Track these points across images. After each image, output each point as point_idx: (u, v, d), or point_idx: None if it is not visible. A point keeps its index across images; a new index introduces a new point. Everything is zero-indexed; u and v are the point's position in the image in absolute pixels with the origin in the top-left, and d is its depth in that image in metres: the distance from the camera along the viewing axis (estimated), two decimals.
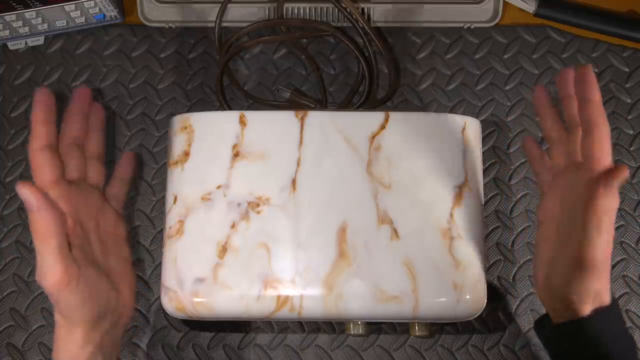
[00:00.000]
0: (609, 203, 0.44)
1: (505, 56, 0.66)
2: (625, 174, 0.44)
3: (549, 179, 0.52)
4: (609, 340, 0.45)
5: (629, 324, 0.60)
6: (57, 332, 0.47)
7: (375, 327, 0.60)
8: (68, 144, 0.51)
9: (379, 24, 0.66)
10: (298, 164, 0.52)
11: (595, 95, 0.46)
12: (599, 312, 0.45)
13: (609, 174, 0.44)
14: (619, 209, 0.62)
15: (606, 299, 0.46)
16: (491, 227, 0.62)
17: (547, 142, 0.54)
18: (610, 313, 0.46)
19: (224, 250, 0.51)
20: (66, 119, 0.52)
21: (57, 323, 0.47)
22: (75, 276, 0.44)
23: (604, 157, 0.45)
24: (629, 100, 0.65)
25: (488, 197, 0.63)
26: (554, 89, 0.65)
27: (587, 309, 0.45)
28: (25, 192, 0.42)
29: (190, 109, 0.65)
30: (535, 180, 0.56)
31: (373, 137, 0.53)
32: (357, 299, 0.50)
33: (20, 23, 0.64)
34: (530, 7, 0.66)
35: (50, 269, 0.43)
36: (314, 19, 0.66)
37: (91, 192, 0.52)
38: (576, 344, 0.46)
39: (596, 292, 0.45)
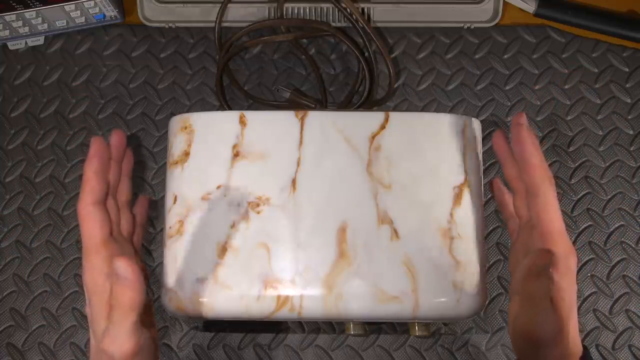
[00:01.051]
0: (542, 286, 0.44)
1: (505, 56, 0.66)
2: (546, 261, 0.43)
3: (516, 227, 0.51)
4: None
5: (628, 324, 0.60)
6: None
7: (375, 327, 0.60)
8: (112, 194, 0.49)
9: (379, 24, 0.66)
10: (298, 164, 0.52)
11: (534, 156, 0.45)
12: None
13: (535, 257, 0.44)
14: (619, 209, 0.62)
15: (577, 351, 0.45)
16: (491, 227, 0.62)
17: (511, 191, 0.51)
18: None
19: (224, 250, 0.51)
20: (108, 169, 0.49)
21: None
22: (143, 348, 0.44)
23: (553, 219, 0.45)
24: (629, 100, 0.65)
25: (488, 197, 0.63)
26: (553, 91, 0.65)
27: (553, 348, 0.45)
28: (122, 266, 0.41)
29: (190, 109, 0.65)
30: (504, 226, 0.55)
31: (373, 137, 0.53)
32: (357, 299, 0.50)
33: (20, 23, 0.64)
34: (530, 7, 0.66)
35: (125, 341, 0.43)
36: (314, 19, 0.66)
37: (126, 245, 0.50)
38: None
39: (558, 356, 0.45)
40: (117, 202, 0.50)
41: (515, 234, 0.51)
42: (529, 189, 0.46)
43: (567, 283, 0.45)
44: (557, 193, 0.47)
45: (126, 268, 0.41)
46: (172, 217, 0.52)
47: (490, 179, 0.63)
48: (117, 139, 0.50)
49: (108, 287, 0.44)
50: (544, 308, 0.44)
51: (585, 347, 0.46)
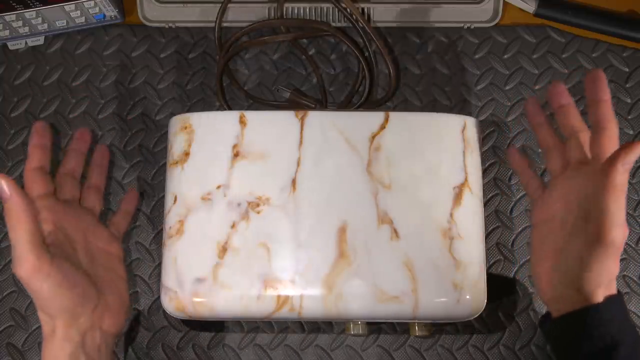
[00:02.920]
0: (625, 181, 0.46)
1: (505, 56, 0.66)
2: (636, 152, 0.45)
3: (539, 187, 0.55)
4: (618, 327, 0.47)
5: None
6: (43, 334, 0.49)
7: (375, 327, 0.60)
8: (63, 173, 0.56)
9: (379, 24, 0.66)
10: (298, 164, 0.52)
11: (607, 95, 0.48)
12: (610, 299, 0.47)
13: (626, 149, 0.45)
14: None
15: (614, 289, 0.48)
16: (491, 227, 0.62)
17: (542, 149, 0.56)
18: (619, 301, 0.48)
19: (224, 250, 0.51)
20: (65, 155, 0.58)
21: (41, 324, 0.49)
22: (46, 263, 0.46)
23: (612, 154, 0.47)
24: (629, 100, 0.65)
25: (488, 197, 0.63)
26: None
27: (600, 295, 0.47)
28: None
29: (190, 109, 0.65)
30: (524, 188, 0.58)
31: (373, 137, 0.53)
32: (357, 299, 0.50)
33: (20, 23, 0.64)
34: (530, 7, 0.66)
35: (23, 255, 0.45)
36: (314, 19, 0.66)
37: (82, 212, 0.55)
38: (589, 329, 0.47)
39: (611, 277, 0.47)
40: (85, 184, 0.58)
41: (539, 192, 0.54)
42: (597, 125, 0.48)
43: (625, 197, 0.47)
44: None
45: (2, 183, 0.45)
46: (172, 217, 0.52)
47: (489, 178, 0.63)
48: (78, 134, 0.59)
49: None
50: (622, 208, 0.46)
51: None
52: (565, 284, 0.48)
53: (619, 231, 0.46)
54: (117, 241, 0.57)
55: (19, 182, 0.63)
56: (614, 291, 0.48)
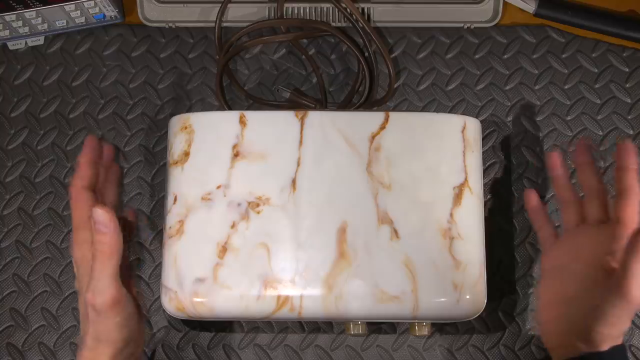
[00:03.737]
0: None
1: (505, 56, 0.66)
2: None
3: (551, 235, 0.56)
4: None
5: None
6: (83, 354, 0.48)
7: (375, 327, 0.60)
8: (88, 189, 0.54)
9: (379, 24, 0.66)
10: (298, 164, 0.52)
11: (636, 164, 0.50)
12: (614, 348, 0.47)
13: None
14: None
15: (621, 341, 0.48)
16: (491, 227, 0.62)
17: (559, 201, 0.56)
18: (623, 351, 0.48)
19: (224, 250, 0.51)
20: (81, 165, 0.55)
21: (85, 345, 0.48)
22: (124, 297, 0.47)
23: (634, 220, 0.49)
24: (629, 100, 0.65)
25: (488, 197, 0.63)
26: (553, 91, 0.65)
27: (607, 345, 0.47)
28: (102, 214, 0.45)
29: (190, 109, 0.65)
30: (537, 233, 0.58)
31: (373, 137, 0.53)
32: (357, 299, 0.50)
33: (20, 23, 0.64)
34: (530, 7, 0.66)
35: (107, 287, 0.46)
36: (314, 19, 0.66)
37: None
38: None
39: (622, 329, 0.48)
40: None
41: (551, 240, 0.55)
42: (622, 190, 0.49)
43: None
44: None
45: (104, 214, 0.45)
46: (172, 217, 0.52)
47: (489, 178, 0.63)
48: (108, 150, 0.56)
49: None
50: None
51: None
52: (574, 333, 0.49)
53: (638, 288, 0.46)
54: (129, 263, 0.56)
55: (20, 182, 0.64)
56: (620, 342, 0.48)
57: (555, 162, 0.57)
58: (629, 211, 0.49)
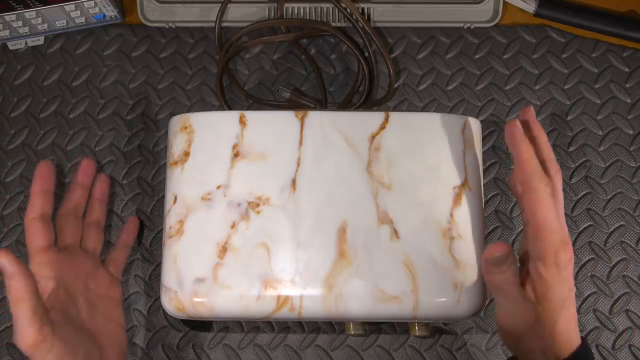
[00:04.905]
0: (501, 277, 0.46)
1: (505, 56, 0.66)
2: (494, 255, 0.45)
3: None
4: None
5: (628, 324, 0.60)
6: None
7: (375, 327, 0.60)
8: (65, 214, 0.56)
9: (379, 24, 0.66)
10: (298, 164, 0.52)
11: (521, 152, 0.47)
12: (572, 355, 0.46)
13: (486, 251, 0.46)
14: (619, 209, 0.62)
15: (574, 343, 0.47)
16: (491, 227, 0.62)
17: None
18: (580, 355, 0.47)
19: (224, 250, 0.51)
20: (69, 190, 0.57)
21: None
22: (49, 336, 0.46)
23: (541, 215, 0.46)
24: (629, 100, 0.65)
25: (488, 197, 0.63)
26: (553, 91, 0.65)
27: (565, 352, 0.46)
28: (1, 259, 0.44)
29: (190, 109, 0.65)
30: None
31: (373, 137, 0.53)
32: (357, 299, 0.50)
33: (20, 23, 0.64)
34: (530, 7, 0.66)
35: (24, 331, 0.45)
36: (314, 19, 0.66)
37: (83, 256, 0.56)
38: None
39: (541, 346, 0.46)
40: (85, 221, 0.57)
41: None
42: (521, 185, 0.47)
43: (553, 277, 0.45)
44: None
45: (5, 261, 0.44)
46: (172, 217, 0.52)
47: (489, 178, 0.63)
48: (84, 167, 0.58)
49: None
50: (513, 299, 0.47)
51: (583, 340, 0.47)
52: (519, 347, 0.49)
53: (517, 321, 0.47)
54: (116, 282, 0.57)
55: (20, 182, 0.64)
56: (575, 345, 0.47)
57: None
58: (528, 208, 0.46)
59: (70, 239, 0.55)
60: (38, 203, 0.52)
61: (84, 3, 0.63)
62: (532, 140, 0.49)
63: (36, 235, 0.51)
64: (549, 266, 0.45)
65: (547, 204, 0.46)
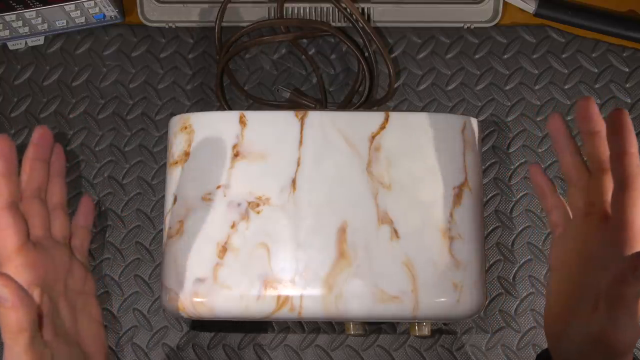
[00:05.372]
0: (637, 289, 0.38)
1: (505, 56, 0.66)
2: None
3: (562, 219, 0.47)
4: None
5: None
6: None
7: (375, 327, 0.60)
8: (30, 197, 0.46)
9: (379, 24, 0.66)
10: (298, 164, 0.52)
11: (634, 146, 0.40)
12: None
13: (635, 259, 0.37)
14: None
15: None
16: (491, 227, 0.62)
17: (565, 179, 0.47)
18: None
19: (224, 250, 0.51)
20: (25, 168, 0.46)
21: None
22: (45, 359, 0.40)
23: (637, 219, 0.40)
24: (629, 100, 0.65)
25: (488, 197, 0.63)
26: (553, 91, 0.65)
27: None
28: (1, 289, 0.38)
29: (190, 109, 0.65)
30: (546, 217, 0.50)
31: (373, 137, 0.53)
32: (357, 299, 0.50)
33: (20, 23, 0.64)
34: (530, 7, 0.66)
35: None
36: (314, 19, 0.66)
37: (57, 249, 0.47)
38: None
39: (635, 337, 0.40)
40: (48, 204, 0.47)
41: (562, 226, 0.47)
42: (620, 180, 0.40)
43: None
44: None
45: (5, 290, 0.38)
46: (172, 217, 0.52)
47: (489, 178, 0.63)
48: (38, 135, 0.46)
49: None
50: (631, 315, 0.39)
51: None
52: (571, 354, 0.42)
53: (626, 338, 0.39)
54: (89, 274, 0.49)
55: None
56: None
57: (560, 126, 0.46)
58: (628, 207, 0.40)
59: (40, 228, 0.46)
60: (5, 189, 0.42)
61: (84, 3, 0.64)
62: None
63: (9, 231, 0.42)
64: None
65: None
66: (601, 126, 0.43)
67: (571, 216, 0.47)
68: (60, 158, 0.49)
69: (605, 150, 0.42)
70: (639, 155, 0.40)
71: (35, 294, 0.42)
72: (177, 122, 0.54)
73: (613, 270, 0.39)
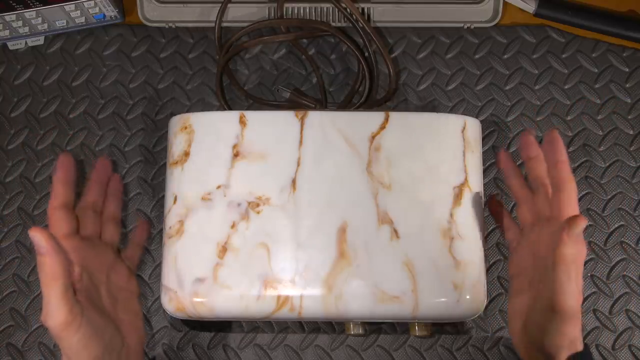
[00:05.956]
0: (574, 251, 0.46)
1: (505, 56, 0.66)
2: (583, 223, 0.46)
3: (516, 234, 0.54)
4: None
5: (628, 324, 0.60)
6: None
7: (375, 327, 0.60)
8: (84, 207, 0.55)
9: (379, 24, 0.66)
10: (298, 164, 0.52)
11: (564, 155, 0.49)
12: (574, 358, 0.47)
13: (571, 222, 0.46)
14: (619, 209, 0.62)
15: (580, 346, 0.47)
16: (491, 227, 0.62)
17: (515, 201, 0.55)
18: (584, 356, 0.47)
19: (224, 250, 0.51)
20: (87, 186, 0.57)
21: None
22: (78, 316, 0.46)
23: (573, 211, 0.48)
24: (629, 100, 0.65)
25: (488, 197, 0.63)
26: (553, 91, 0.65)
27: (563, 356, 0.46)
28: (36, 235, 0.44)
29: (190, 109, 0.65)
30: (503, 236, 0.57)
31: (373, 137, 0.53)
32: (357, 299, 0.50)
33: (20, 23, 0.64)
34: (530, 7, 0.66)
35: (55, 310, 0.45)
36: (314, 19, 0.66)
37: (104, 248, 0.54)
38: None
39: (571, 339, 0.47)
40: (102, 216, 0.56)
41: (516, 241, 0.54)
42: (556, 183, 0.49)
43: (578, 266, 0.47)
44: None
45: (40, 237, 0.44)
46: (172, 217, 0.52)
47: (489, 178, 0.63)
48: (99, 164, 0.58)
49: None
50: (570, 277, 0.46)
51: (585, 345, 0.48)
52: (533, 347, 0.48)
53: (571, 301, 0.46)
54: (133, 277, 0.56)
55: (20, 182, 0.64)
56: (579, 348, 0.47)
57: (505, 158, 0.56)
58: (563, 207, 0.48)
59: (91, 230, 0.54)
60: (61, 192, 0.52)
61: (84, 3, 0.64)
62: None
63: (60, 223, 0.51)
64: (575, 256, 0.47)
65: (577, 205, 0.49)
66: (538, 151, 0.52)
67: (521, 230, 0.54)
68: (116, 181, 0.59)
69: (542, 169, 0.51)
70: (569, 163, 0.49)
71: (75, 269, 0.49)
72: (177, 122, 0.54)
73: (552, 242, 0.47)
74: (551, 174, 0.50)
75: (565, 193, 0.48)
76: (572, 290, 0.46)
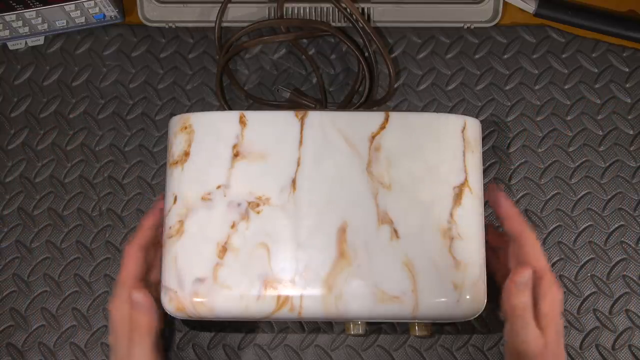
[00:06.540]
0: (525, 299, 0.49)
1: (505, 56, 0.66)
2: (527, 273, 0.49)
3: (506, 274, 0.55)
4: None
5: (628, 324, 0.60)
6: None
7: (375, 327, 0.60)
8: (153, 247, 0.55)
9: (379, 24, 0.66)
10: (298, 164, 0.52)
11: (511, 209, 0.52)
12: None
13: (515, 273, 0.49)
14: (619, 209, 0.62)
15: None
16: None
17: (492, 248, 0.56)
18: None
19: (224, 250, 0.51)
20: (157, 225, 0.56)
21: None
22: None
23: (537, 259, 0.50)
24: (629, 100, 0.65)
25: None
26: (553, 91, 0.65)
27: None
28: (139, 296, 0.50)
29: (190, 109, 0.65)
30: (493, 277, 0.57)
31: (373, 137, 0.53)
32: (357, 299, 0.50)
33: (20, 23, 0.64)
34: (530, 7, 0.66)
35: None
36: (314, 19, 0.66)
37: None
38: None
39: None
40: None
41: (504, 282, 0.54)
42: (513, 238, 0.51)
43: (550, 308, 0.50)
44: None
45: (143, 297, 0.50)
46: (172, 217, 0.52)
47: (489, 178, 0.63)
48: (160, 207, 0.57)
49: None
50: (527, 324, 0.49)
51: None
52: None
53: (532, 345, 0.48)
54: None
55: (20, 182, 0.64)
56: None
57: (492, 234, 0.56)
58: (527, 255, 0.50)
59: (156, 277, 0.54)
60: (146, 237, 0.54)
61: (84, 3, 0.64)
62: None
63: (137, 264, 0.52)
64: (547, 299, 0.50)
65: (540, 249, 0.52)
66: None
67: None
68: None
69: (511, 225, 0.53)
70: (520, 216, 0.52)
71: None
72: (177, 122, 0.54)
73: (505, 288, 0.50)
74: (506, 228, 0.52)
75: (522, 244, 0.51)
76: (531, 335, 0.48)
